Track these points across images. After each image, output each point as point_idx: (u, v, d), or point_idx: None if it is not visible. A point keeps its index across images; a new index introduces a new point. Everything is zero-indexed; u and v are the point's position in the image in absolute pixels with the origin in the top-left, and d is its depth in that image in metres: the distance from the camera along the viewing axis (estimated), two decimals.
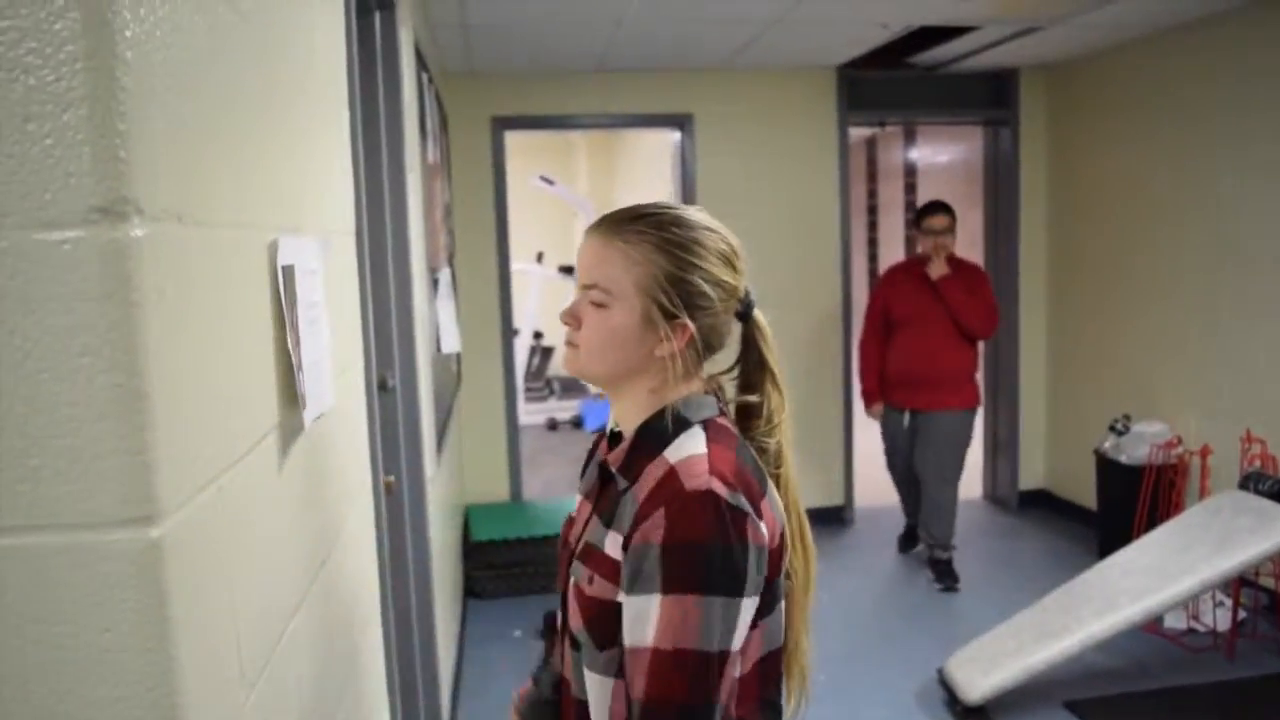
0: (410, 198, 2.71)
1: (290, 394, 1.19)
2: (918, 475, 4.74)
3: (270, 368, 1.13)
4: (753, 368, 1.25)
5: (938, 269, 4.49)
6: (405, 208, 2.66)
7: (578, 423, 8.54)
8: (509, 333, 5.41)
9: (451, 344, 3.52)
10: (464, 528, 4.92)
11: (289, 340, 1.17)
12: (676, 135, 5.47)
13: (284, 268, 1.18)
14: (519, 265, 8.76)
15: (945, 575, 4.61)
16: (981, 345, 5.19)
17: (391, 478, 2.60)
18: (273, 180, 1.17)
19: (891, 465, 4.97)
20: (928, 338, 4.55)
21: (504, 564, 4.66)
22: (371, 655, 1.76)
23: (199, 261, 0.91)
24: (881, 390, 4.76)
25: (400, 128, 2.64)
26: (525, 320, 8.85)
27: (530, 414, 8.68)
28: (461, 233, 5.16)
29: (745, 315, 1.24)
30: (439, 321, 3.42)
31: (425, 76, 3.50)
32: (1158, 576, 3.30)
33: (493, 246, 5.29)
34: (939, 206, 4.56)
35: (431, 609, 2.82)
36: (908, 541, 5.11)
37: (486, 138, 5.21)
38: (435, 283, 3.38)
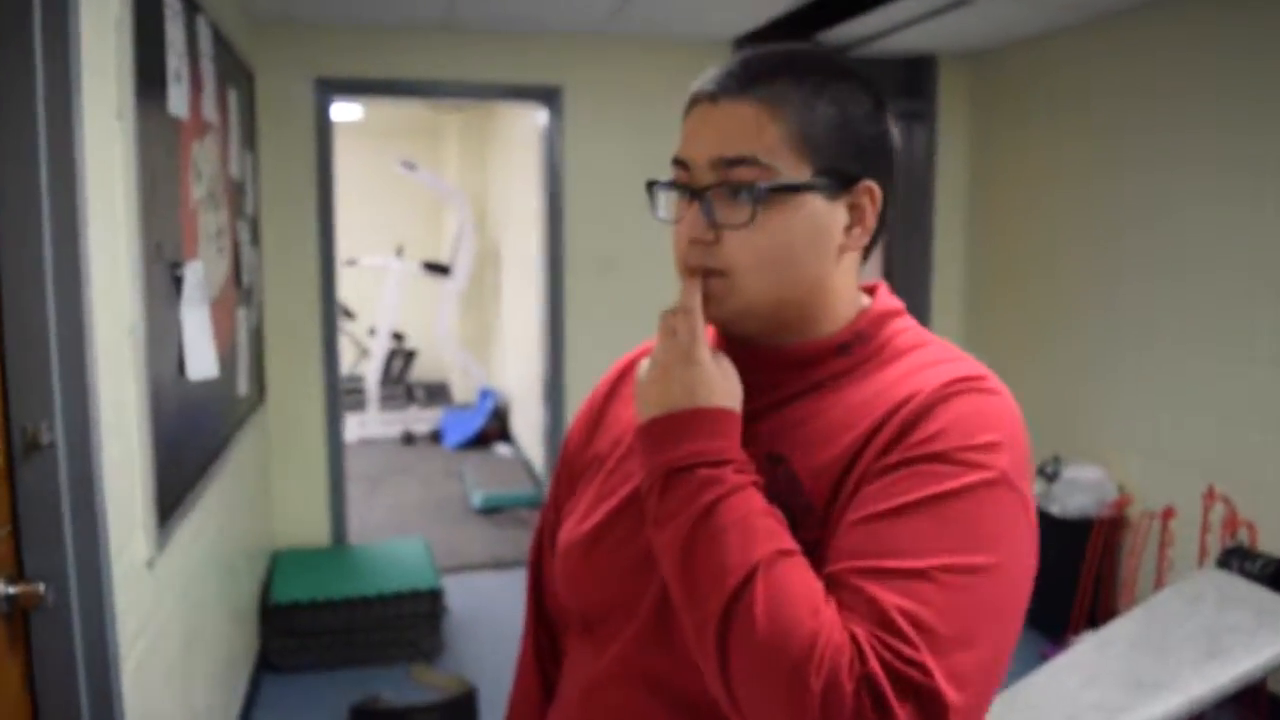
0: (84, 165, 1.81)
1: None
2: None
3: None
4: None
5: (653, 367, 0.90)
6: (74, 180, 1.77)
7: (436, 436, 7.60)
8: (332, 336, 4.48)
9: (203, 367, 2.60)
10: (266, 582, 3.99)
11: None
12: (544, 113, 4.63)
13: None
14: (377, 259, 7.82)
15: None
16: None
17: (39, 585, 1.72)
18: None
19: None
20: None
21: (308, 631, 3.74)
22: None
23: None
24: None
25: (67, 68, 1.74)
26: (383, 320, 7.88)
27: (385, 424, 7.72)
28: (273, 216, 4.21)
29: None
30: (183, 337, 2.51)
31: (181, 6, 2.59)
32: (1130, 689, 2.54)
33: (313, 232, 4.35)
34: (739, 80, 0.89)
35: None
36: None
37: (310, 103, 4.27)
38: (177, 282, 2.47)
